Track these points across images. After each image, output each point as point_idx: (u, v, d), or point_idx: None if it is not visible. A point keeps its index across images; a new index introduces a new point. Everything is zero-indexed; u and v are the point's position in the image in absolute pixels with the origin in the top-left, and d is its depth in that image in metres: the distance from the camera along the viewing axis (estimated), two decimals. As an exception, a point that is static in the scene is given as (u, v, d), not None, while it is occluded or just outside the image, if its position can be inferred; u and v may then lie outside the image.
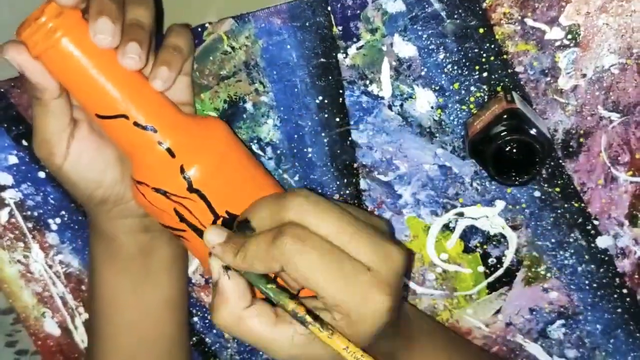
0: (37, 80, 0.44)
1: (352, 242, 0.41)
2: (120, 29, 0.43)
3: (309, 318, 0.41)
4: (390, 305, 0.41)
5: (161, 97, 0.47)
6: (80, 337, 0.66)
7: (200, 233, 0.47)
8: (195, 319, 0.63)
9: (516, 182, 0.50)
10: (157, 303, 0.54)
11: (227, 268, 0.43)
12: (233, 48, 0.53)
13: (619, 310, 0.58)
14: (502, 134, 0.49)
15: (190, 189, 0.46)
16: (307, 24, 0.51)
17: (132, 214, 0.51)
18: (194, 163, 0.46)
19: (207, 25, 0.52)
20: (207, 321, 0.63)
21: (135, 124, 0.45)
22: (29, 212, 0.61)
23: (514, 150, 0.49)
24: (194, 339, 0.64)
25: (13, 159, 0.58)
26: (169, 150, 0.46)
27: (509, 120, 0.49)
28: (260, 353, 0.63)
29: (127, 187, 0.50)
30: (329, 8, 0.51)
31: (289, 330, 0.42)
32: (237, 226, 0.44)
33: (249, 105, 0.54)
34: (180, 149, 0.46)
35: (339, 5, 0.51)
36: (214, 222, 0.47)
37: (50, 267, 0.63)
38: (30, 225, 0.61)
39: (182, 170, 0.46)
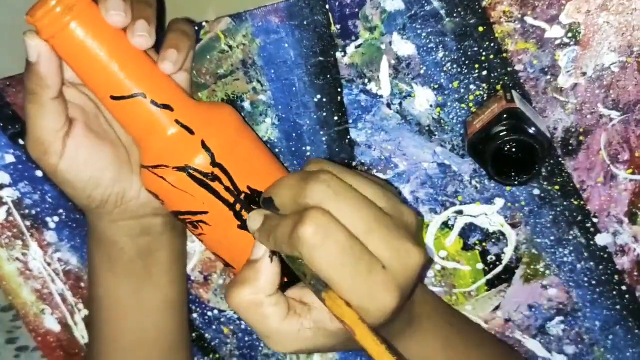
0: (46, 72, 0.44)
1: (372, 236, 0.39)
2: (130, 6, 0.43)
3: (320, 286, 0.40)
4: (395, 307, 0.40)
5: (171, 79, 0.47)
6: (81, 333, 0.66)
7: (229, 204, 0.47)
8: (195, 315, 0.63)
9: (516, 182, 0.49)
10: (158, 304, 0.54)
11: (274, 253, 0.42)
12: (230, 47, 0.52)
13: (618, 307, 0.58)
14: (501, 134, 0.48)
15: (214, 162, 0.46)
16: (305, 23, 0.51)
17: (132, 215, 0.50)
18: (214, 137, 0.46)
19: (204, 24, 0.52)
20: (206, 317, 0.63)
21: (153, 102, 0.45)
22: (26, 211, 0.60)
23: (514, 150, 0.49)
24: (194, 334, 0.64)
25: (10, 158, 0.58)
26: (187, 127, 0.46)
27: (509, 120, 0.48)
28: (260, 348, 0.64)
29: (127, 187, 0.49)
30: (327, 6, 0.50)
31: (296, 324, 0.42)
32: (263, 203, 0.43)
33: (246, 104, 0.54)
34: (198, 125, 0.46)
35: (337, 4, 0.50)
36: (237, 199, 0.47)
37: (49, 264, 0.63)
38: (28, 223, 0.61)
39: (204, 145, 0.45)
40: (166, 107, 0.45)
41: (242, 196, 0.47)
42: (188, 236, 0.58)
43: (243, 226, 0.47)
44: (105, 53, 0.43)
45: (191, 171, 0.45)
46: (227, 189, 0.46)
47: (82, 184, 0.48)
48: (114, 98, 0.45)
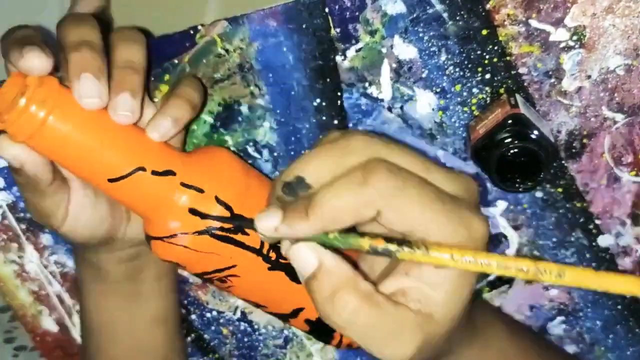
0: (34, 171, 0.41)
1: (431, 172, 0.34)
2: (106, 83, 0.40)
3: (392, 246, 0.33)
4: (487, 233, 0.34)
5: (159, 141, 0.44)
6: (78, 334, 0.65)
7: (256, 250, 0.45)
8: (193, 316, 0.62)
9: (520, 189, 0.49)
10: (148, 318, 0.54)
11: (324, 245, 0.33)
12: (227, 50, 0.51)
13: (619, 306, 0.57)
14: (506, 141, 0.47)
15: (233, 215, 0.44)
16: (303, 26, 0.50)
17: (119, 248, 0.49)
18: (225, 188, 0.44)
19: (199, 27, 0.50)
20: (205, 319, 0.62)
21: (154, 172, 0.42)
22: (21, 214, 0.60)
23: (518, 157, 0.48)
24: (192, 335, 0.63)
25: (3, 162, 0.57)
26: (195, 187, 0.43)
27: (513, 127, 0.48)
28: (259, 348, 0.63)
29: (118, 228, 0.48)
30: (327, 10, 0.49)
31: (407, 311, 0.33)
32: (286, 189, 0.34)
33: (244, 108, 0.53)
34: (204, 180, 0.43)
35: (336, 7, 0.49)
36: (262, 241, 0.44)
37: (46, 267, 0.62)
38: (23, 226, 0.60)
39: (219, 200, 0.43)
40: (168, 172, 0.43)
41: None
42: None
43: (274, 267, 0.46)
44: (91, 139, 0.40)
45: (214, 231, 0.43)
46: (251, 237, 0.45)
47: (81, 238, 0.47)
48: (112, 180, 0.41)
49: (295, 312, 0.50)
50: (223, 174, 0.45)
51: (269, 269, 0.46)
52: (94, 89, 0.39)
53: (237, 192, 0.44)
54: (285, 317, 0.51)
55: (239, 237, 0.44)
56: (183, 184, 0.43)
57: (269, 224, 0.33)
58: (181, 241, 0.43)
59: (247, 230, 0.44)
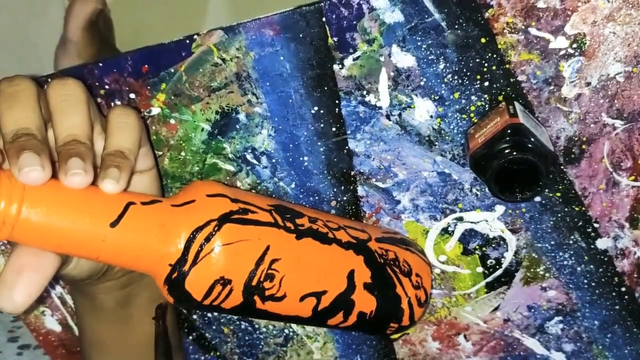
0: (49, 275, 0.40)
1: None
2: (48, 158, 0.39)
3: None
4: None
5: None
6: (81, 332, 0.66)
7: (274, 224, 0.45)
8: (195, 316, 0.63)
9: (519, 199, 0.49)
10: (143, 341, 0.53)
11: None
12: (224, 60, 0.50)
13: (617, 307, 0.58)
14: (505, 151, 0.47)
15: (232, 199, 0.44)
16: (300, 35, 0.49)
17: (111, 278, 0.49)
18: (211, 189, 0.44)
19: (195, 37, 0.50)
20: (206, 319, 0.63)
21: (143, 203, 0.42)
22: (21, 219, 0.60)
23: (517, 167, 0.48)
24: (194, 334, 0.64)
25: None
26: (186, 202, 0.43)
27: (512, 137, 0.47)
28: (260, 346, 0.64)
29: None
30: (324, 19, 0.48)
31: None
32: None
33: (242, 116, 0.53)
34: (190, 195, 0.44)
35: (333, 17, 0.48)
36: (273, 216, 0.46)
37: (47, 269, 0.62)
38: (23, 230, 0.60)
39: (212, 195, 0.44)
40: (155, 201, 0.42)
41: (274, 212, 0.46)
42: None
43: (299, 235, 0.46)
44: (74, 201, 0.39)
45: (229, 217, 0.43)
46: (260, 214, 0.45)
47: (85, 275, 0.46)
48: (114, 223, 0.40)
49: (351, 279, 0.49)
50: (198, 184, 0.45)
51: (297, 238, 0.46)
52: (35, 160, 0.38)
53: (222, 188, 0.45)
54: (348, 298, 0.49)
55: (250, 216, 0.44)
56: (173, 205, 0.43)
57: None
58: (211, 246, 0.42)
59: (254, 210, 0.45)
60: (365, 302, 0.50)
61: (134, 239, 0.41)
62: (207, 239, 0.42)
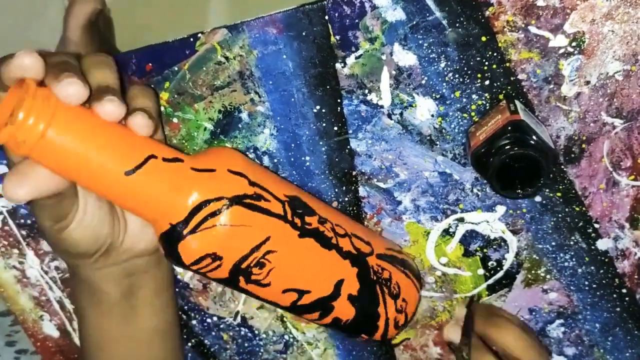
0: (55, 189, 0.41)
1: None
2: (85, 83, 0.40)
3: None
4: None
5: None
6: (79, 339, 0.65)
7: (282, 217, 0.45)
8: (194, 322, 0.63)
9: (520, 196, 0.49)
10: (145, 335, 0.53)
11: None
12: (227, 58, 0.51)
13: (618, 309, 0.58)
14: (506, 147, 0.48)
15: (251, 182, 0.44)
16: (303, 34, 0.50)
17: (115, 261, 0.49)
18: (234, 164, 0.44)
19: (199, 35, 0.50)
20: (205, 324, 0.63)
21: (164, 159, 0.42)
22: (22, 220, 0.60)
23: (518, 163, 0.48)
24: (193, 341, 0.63)
25: (3, 169, 0.57)
26: (206, 170, 0.43)
27: (513, 133, 0.48)
28: (260, 353, 0.64)
29: (116, 233, 0.47)
30: (326, 17, 0.49)
31: None
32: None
33: (244, 115, 0.53)
34: (212, 163, 0.44)
35: (336, 15, 0.49)
36: (284, 208, 0.46)
37: (46, 272, 0.62)
38: (24, 232, 0.60)
39: (233, 172, 0.44)
40: (176, 159, 0.42)
41: (287, 204, 0.46)
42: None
43: (303, 234, 0.46)
44: (99, 137, 0.40)
45: (242, 200, 0.43)
46: (272, 203, 0.45)
47: (86, 242, 0.46)
48: (129, 173, 0.40)
49: (338, 288, 0.49)
50: (225, 154, 0.45)
51: (299, 236, 0.46)
52: (76, 77, 0.39)
53: (246, 165, 0.45)
54: (328, 303, 0.49)
55: (262, 203, 0.44)
56: (194, 169, 0.43)
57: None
58: (212, 222, 0.42)
59: (268, 197, 0.45)
60: (344, 311, 0.51)
61: (144, 191, 0.41)
62: (213, 214, 0.42)
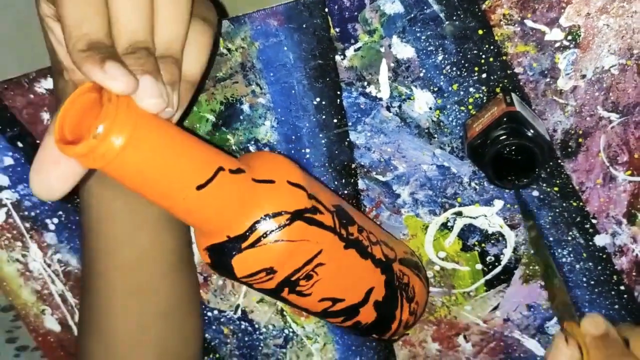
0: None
1: None
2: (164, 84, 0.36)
3: None
4: None
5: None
6: (80, 333, 0.66)
7: (332, 229, 0.44)
8: (195, 316, 0.63)
9: (515, 186, 0.49)
10: (153, 217, 0.50)
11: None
12: (229, 50, 0.52)
13: (617, 306, 0.58)
14: (501, 138, 0.48)
15: (309, 195, 0.43)
16: (304, 26, 0.51)
17: None
18: (289, 174, 0.43)
19: (202, 27, 0.51)
20: (206, 318, 0.63)
21: (230, 171, 0.39)
22: (26, 213, 0.60)
23: (514, 154, 0.49)
24: (194, 335, 0.64)
25: (9, 160, 0.58)
26: (266, 181, 0.42)
27: (509, 124, 0.48)
28: (260, 348, 0.64)
29: None
30: (326, 10, 0.50)
31: None
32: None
33: (245, 107, 0.54)
34: (269, 173, 0.42)
35: (336, 7, 0.50)
36: (334, 220, 0.45)
37: (49, 265, 0.63)
38: (27, 225, 0.61)
39: (293, 184, 0.43)
40: (240, 170, 0.40)
41: (335, 215, 0.45)
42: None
43: (347, 245, 0.46)
44: (173, 150, 0.37)
45: (302, 214, 0.42)
46: (325, 216, 0.44)
47: None
48: (200, 187, 0.38)
49: (367, 296, 0.49)
50: (282, 163, 0.44)
51: (344, 247, 0.46)
52: (156, 89, 0.35)
53: (302, 175, 0.43)
54: (356, 310, 0.49)
55: (318, 217, 0.43)
56: (255, 180, 0.41)
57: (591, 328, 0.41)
58: (275, 237, 0.41)
59: (322, 210, 0.44)
60: (367, 316, 0.51)
61: (211, 205, 0.39)
62: (274, 230, 0.41)
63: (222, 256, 0.42)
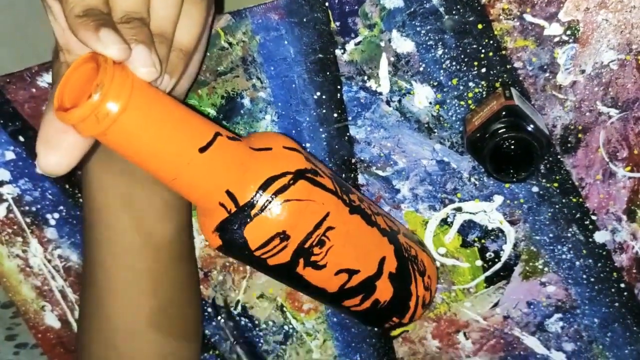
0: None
1: None
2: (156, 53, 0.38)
3: None
4: None
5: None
6: (80, 330, 0.66)
7: (333, 192, 0.45)
8: (194, 312, 0.63)
9: (514, 179, 0.50)
10: (154, 207, 0.50)
11: None
12: (230, 44, 0.52)
13: (617, 304, 0.58)
14: (500, 131, 0.48)
15: (307, 158, 0.44)
16: (304, 20, 0.51)
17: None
18: (284, 142, 0.44)
19: (204, 21, 0.52)
20: (205, 314, 0.63)
21: (229, 137, 0.40)
22: (27, 208, 0.61)
23: (512, 148, 0.49)
24: (193, 332, 0.64)
25: (10, 155, 0.58)
26: (264, 149, 0.43)
27: (507, 117, 0.49)
28: (260, 344, 0.64)
29: None
30: (327, 4, 0.50)
31: None
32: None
33: (246, 101, 0.54)
34: (265, 142, 0.43)
35: (336, 1, 0.50)
36: (333, 183, 0.45)
37: (50, 261, 0.63)
38: (28, 220, 0.61)
39: (290, 148, 0.43)
40: (236, 138, 0.41)
41: (334, 180, 0.46)
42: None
43: (352, 210, 0.46)
44: (172, 114, 0.37)
45: (304, 174, 0.42)
46: (325, 179, 0.45)
47: None
48: (202, 149, 0.39)
49: (381, 266, 0.49)
50: (273, 134, 0.45)
51: (349, 212, 0.46)
52: (149, 59, 0.36)
53: (294, 143, 0.44)
54: (373, 283, 0.49)
55: (319, 179, 0.44)
56: (252, 148, 0.42)
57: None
58: (282, 197, 0.41)
59: (321, 173, 0.45)
60: (384, 291, 0.50)
61: (215, 169, 0.40)
62: (280, 190, 0.41)
63: (233, 231, 0.42)
